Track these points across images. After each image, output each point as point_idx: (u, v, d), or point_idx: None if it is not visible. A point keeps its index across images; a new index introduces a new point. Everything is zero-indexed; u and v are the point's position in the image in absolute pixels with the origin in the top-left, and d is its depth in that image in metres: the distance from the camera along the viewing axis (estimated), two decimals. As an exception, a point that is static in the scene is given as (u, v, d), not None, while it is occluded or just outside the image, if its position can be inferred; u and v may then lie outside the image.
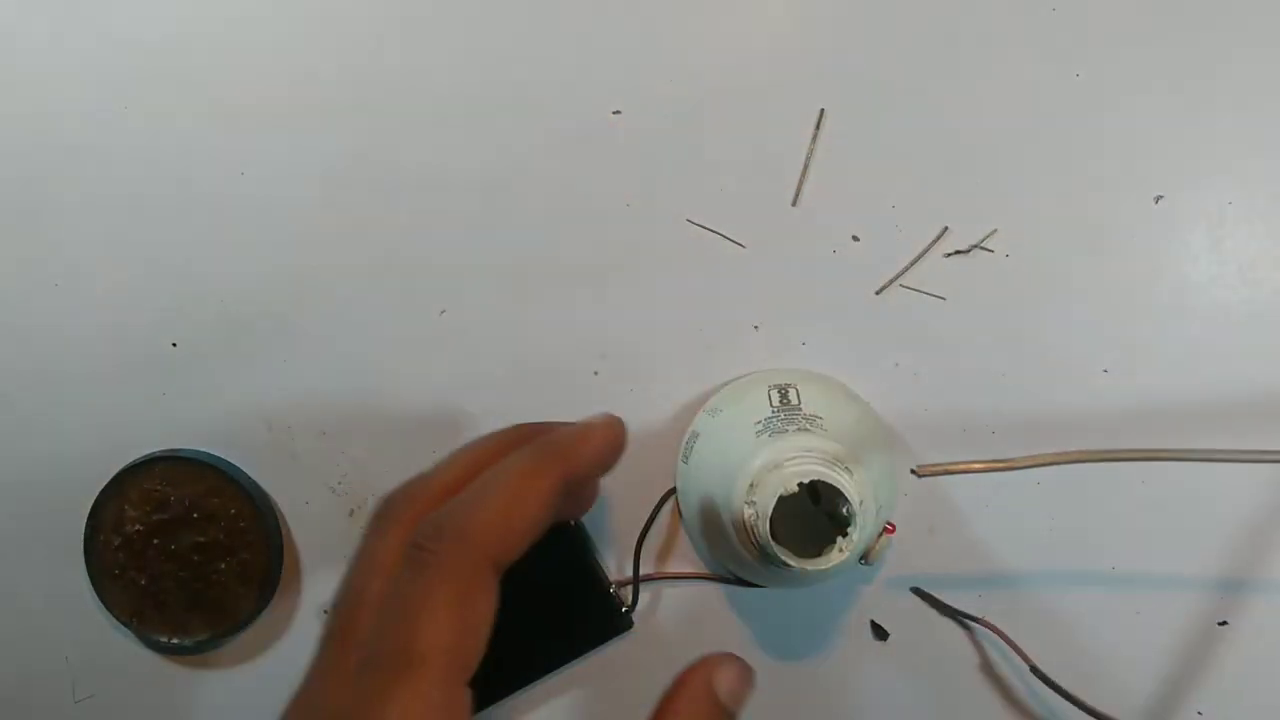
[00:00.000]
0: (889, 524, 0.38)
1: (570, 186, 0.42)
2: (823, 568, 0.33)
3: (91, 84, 0.44)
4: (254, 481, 0.44)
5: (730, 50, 0.42)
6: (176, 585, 0.43)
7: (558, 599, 0.31)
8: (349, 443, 0.44)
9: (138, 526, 0.43)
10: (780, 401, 0.37)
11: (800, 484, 0.33)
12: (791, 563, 0.33)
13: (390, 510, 0.30)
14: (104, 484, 0.43)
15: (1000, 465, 0.34)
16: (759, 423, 0.37)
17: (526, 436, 0.32)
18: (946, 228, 0.41)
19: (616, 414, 0.34)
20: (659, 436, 0.42)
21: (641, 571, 0.42)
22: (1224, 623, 0.40)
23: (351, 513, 0.44)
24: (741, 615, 0.42)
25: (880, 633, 0.42)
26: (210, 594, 0.43)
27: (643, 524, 0.42)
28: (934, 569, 0.42)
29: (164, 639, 0.44)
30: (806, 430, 0.36)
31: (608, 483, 0.43)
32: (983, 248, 0.41)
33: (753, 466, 0.34)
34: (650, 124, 0.42)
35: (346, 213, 0.43)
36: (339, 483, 0.44)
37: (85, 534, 0.43)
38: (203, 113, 0.44)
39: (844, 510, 0.33)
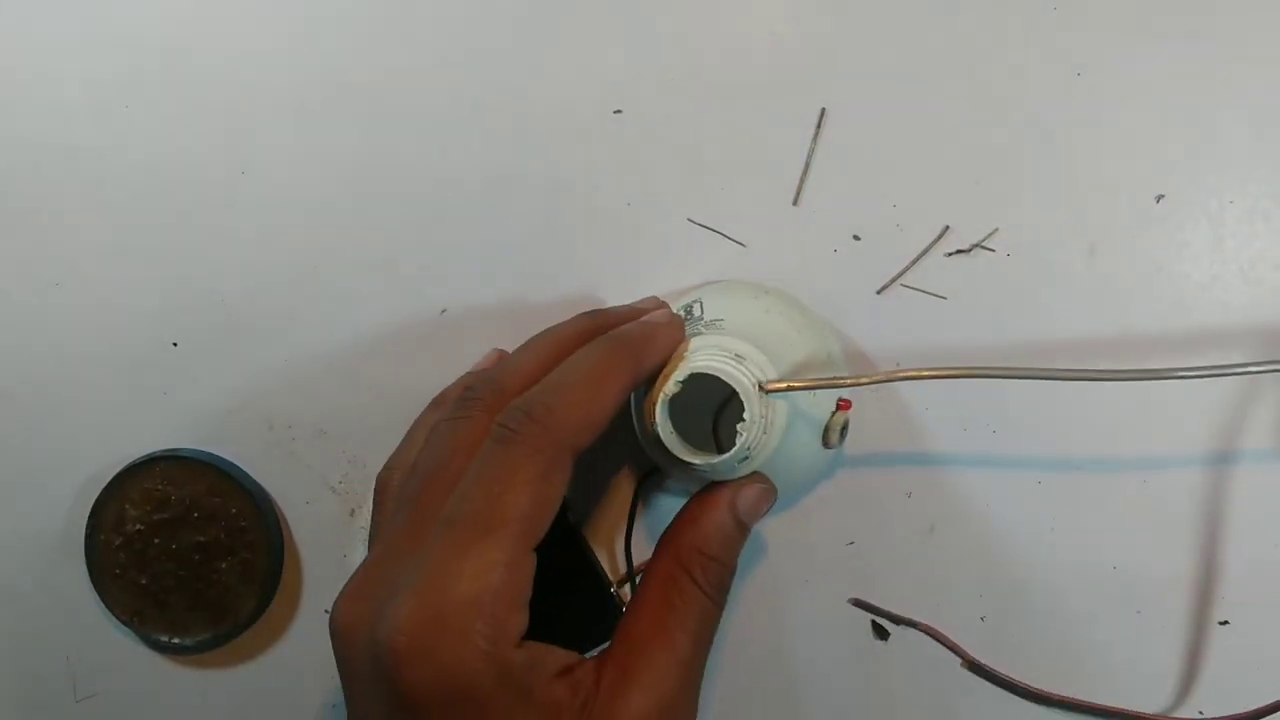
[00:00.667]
0: (842, 400, 0.36)
1: (571, 186, 0.42)
2: (719, 459, 0.32)
3: (92, 82, 0.44)
4: (254, 481, 0.44)
5: (732, 49, 0.42)
6: (177, 585, 0.43)
7: (557, 600, 0.31)
8: (350, 442, 0.44)
9: (138, 526, 0.43)
10: (685, 317, 0.37)
11: (679, 382, 0.33)
12: (696, 460, 0.33)
13: (474, 395, 0.33)
14: (105, 483, 0.43)
15: (833, 383, 0.34)
16: None
17: (597, 328, 0.35)
18: (948, 227, 0.41)
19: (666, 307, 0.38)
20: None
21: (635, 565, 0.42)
22: (1225, 622, 0.40)
23: (352, 512, 0.44)
24: (742, 614, 0.43)
25: (881, 632, 0.42)
26: (211, 593, 0.43)
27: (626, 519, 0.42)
28: (933, 568, 0.42)
29: (165, 638, 0.44)
30: (701, 334, 0.35)
31: (598, 480, 0.43)
32: (984, 247, 0.41)
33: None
34: (651, 123, 0.42)
35: (347, 212, 0.43)
36: (339, 482, 0.44)
37: (86, 533, 0.43)
38: (204, 112, 0.43)
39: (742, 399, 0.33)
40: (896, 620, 0.41)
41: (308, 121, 0.43)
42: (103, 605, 0.44)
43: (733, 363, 0.33)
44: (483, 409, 0.33)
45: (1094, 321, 0.40)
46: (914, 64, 0.41)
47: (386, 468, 0.36)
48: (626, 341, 0.34)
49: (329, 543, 0.44)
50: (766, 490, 0.35)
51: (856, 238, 0.42)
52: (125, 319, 0.44)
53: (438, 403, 0.38)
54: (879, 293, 0.41)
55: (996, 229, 0.41)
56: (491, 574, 0.29)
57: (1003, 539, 0.41)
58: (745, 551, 0.35)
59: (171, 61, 0.44)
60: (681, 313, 0.37)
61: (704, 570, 0.33)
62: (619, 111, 0.42)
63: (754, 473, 0.35)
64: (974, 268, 0.41)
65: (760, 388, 0.33)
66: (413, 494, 0.32)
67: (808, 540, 0.42)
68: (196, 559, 0.43)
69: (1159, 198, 0.40)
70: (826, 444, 0.37)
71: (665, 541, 0.34)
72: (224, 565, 0.43)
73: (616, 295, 0.42)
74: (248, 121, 0.43)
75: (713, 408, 0.38)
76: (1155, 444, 0.40)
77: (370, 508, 0.44)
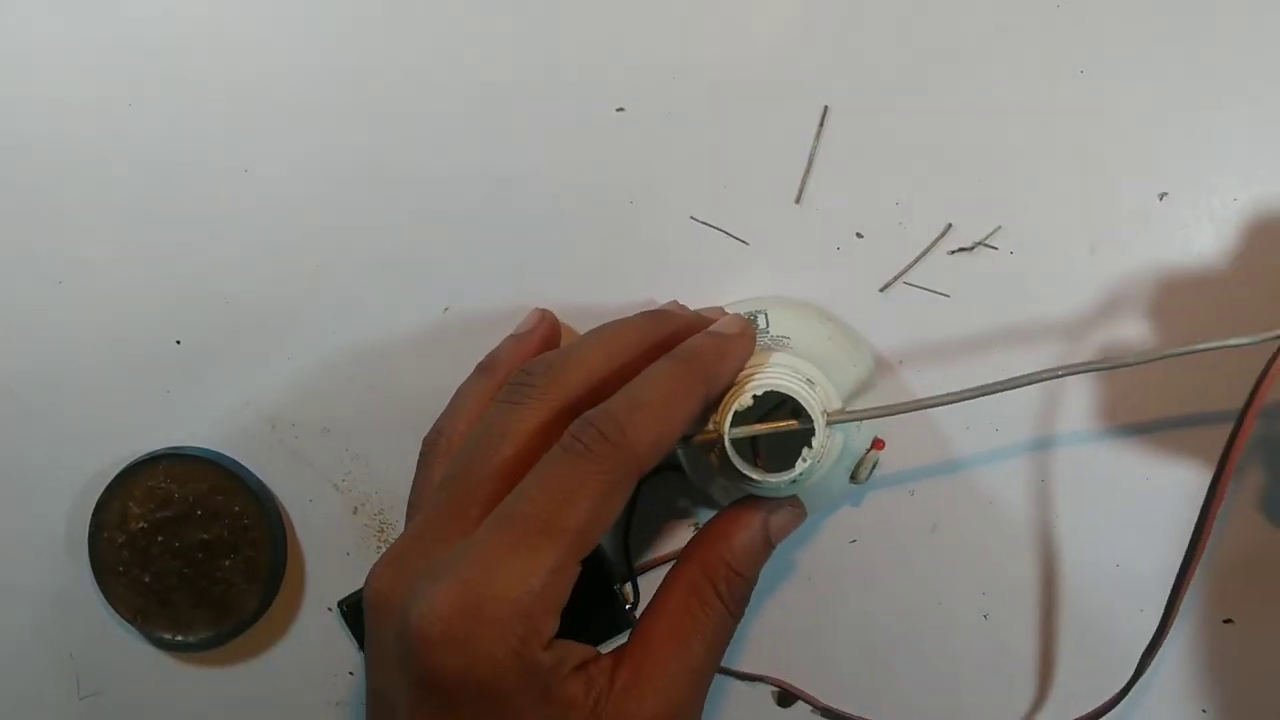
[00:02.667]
0: (877, 439, 0.37)
1: (573, 184, 0.42)
2: (774, 478, 0.32)
3: (95, 81, 0.44)
4: (257, 479, 0.44)
5: (734, 47, 0.42)
6: (181, 583, 0.43)
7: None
8: (352, 440, 0.44)
9: (142, 524, 0.43)
10: None
11: (755, 396, 0.33)
12: (754, 475, 0.32)
13: (531, 381, 0.33)
14: (108, 481, 0.43)
15: (892, 410, 0.33)
16: None
17: (663, 335, 0.35)
18: (950, 225, 0.41)
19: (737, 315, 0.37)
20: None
21: (637, 562, 0.42)
22: (1229, 620, 0.40)
23: (355, 510, 0.44)
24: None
25: (784, 699, 0.42)
26: (214, 591, 0.43)
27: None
28: (935, 568, 0.42)
29: (168, 636, 0.44)
30: (770, 349, 0.35)
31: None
32: (987, 245, 0.41)
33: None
34: (654, 121, 0.42)
35: (350, 210, 0.43)
36: (342, 480, 0.44)
37: (89, 531, 0.43)
38: (206, 111, 0.44)
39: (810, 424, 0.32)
40: (744, 678, 0.42)
41: (309, 120, 0.43)
42: (106, 603, 0.44)
43: (805, 387, 0.33)
44: (538, 398, 0.33)
45: (1096, 319, 0.40)
46: (917, 62, 0.41)
47: (434, 430, 0.36)
48: (701, 361, 0.33)
49: (332, 541, 0.44)
50: (798, 514, 0.35)
51: (859, 235, 0.42)
52: (128, 317, 0.44)
53: (484, 369, 0.38)
54: (882, 290, 0.41)
55: (999, 227, 0.41)
56: (536, 577, 0.29)
57: (1005, 538, 0.41)
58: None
59: (173, 61, 0.44)
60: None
61: (728, 583, 0.33)
62: (621, 109, 0.42)
63: (792, 496, 0.35)
64: (976, 265, 0.41)
65: (826, 416, 0.33)
66: (458, 474, 0.32)
67: (810, 538, 0.42)
68: (200, 557, 0.43)
69: (1162, 195, 0.40)
70: (855, 478, 0.37)
71: (693, 549, 0.34)
72: (227, 563, 0.43)
73: (619, 293, 0.42)
74: (249, 121, 0.43)
75: (753, 419, 0.38)
76: (1157, 442, 0.40)
77: (370, 506, 0.44)
